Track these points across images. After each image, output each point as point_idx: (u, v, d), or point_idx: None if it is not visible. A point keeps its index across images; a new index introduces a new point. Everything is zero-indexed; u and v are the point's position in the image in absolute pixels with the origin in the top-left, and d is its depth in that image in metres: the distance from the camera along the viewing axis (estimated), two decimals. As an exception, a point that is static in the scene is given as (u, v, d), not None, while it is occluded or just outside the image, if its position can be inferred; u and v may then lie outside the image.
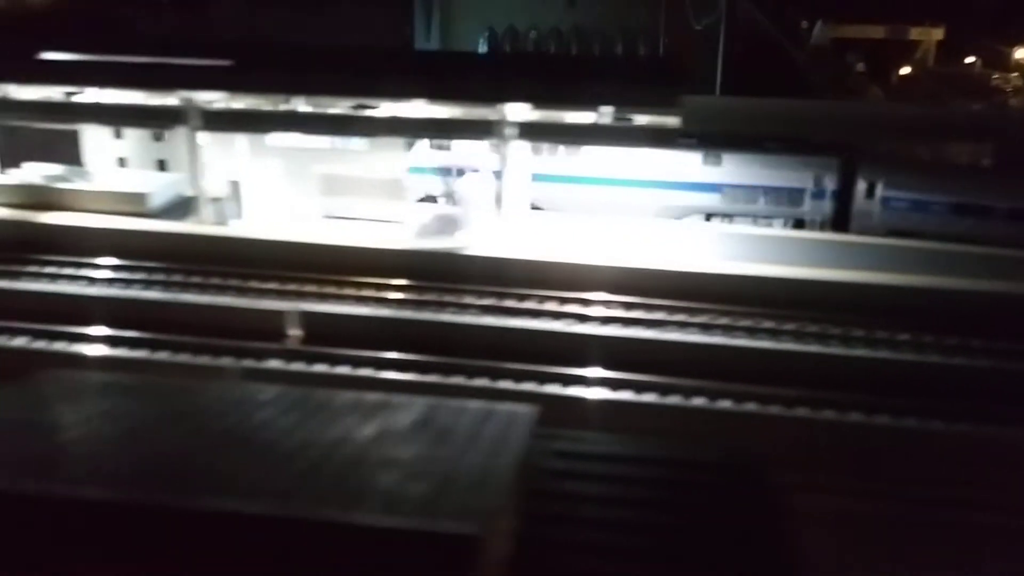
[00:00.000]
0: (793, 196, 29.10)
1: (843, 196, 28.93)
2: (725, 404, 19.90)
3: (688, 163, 28.90)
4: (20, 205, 28.01)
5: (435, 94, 23.69)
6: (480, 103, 23.67)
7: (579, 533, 9.91)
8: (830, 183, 28.87)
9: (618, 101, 22.50)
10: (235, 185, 26.54)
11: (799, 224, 29.34)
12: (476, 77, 24.93)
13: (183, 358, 21.75)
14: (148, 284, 25.00)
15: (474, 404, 12.10)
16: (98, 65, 25.83)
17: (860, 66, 55.68)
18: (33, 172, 29.98)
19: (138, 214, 27.34)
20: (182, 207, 28.74)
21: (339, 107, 26.35)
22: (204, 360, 21.66)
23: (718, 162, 29.04)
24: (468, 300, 24.05)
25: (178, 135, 33.04)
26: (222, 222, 26.70)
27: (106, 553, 8.57)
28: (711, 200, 29.45)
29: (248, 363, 21.53)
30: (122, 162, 34.17)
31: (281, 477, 9.53)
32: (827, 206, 29.16)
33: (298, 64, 26.06)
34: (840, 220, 29.01)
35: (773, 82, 37.41)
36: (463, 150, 28.94)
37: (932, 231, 27.76)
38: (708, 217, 29.61)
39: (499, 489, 9.30)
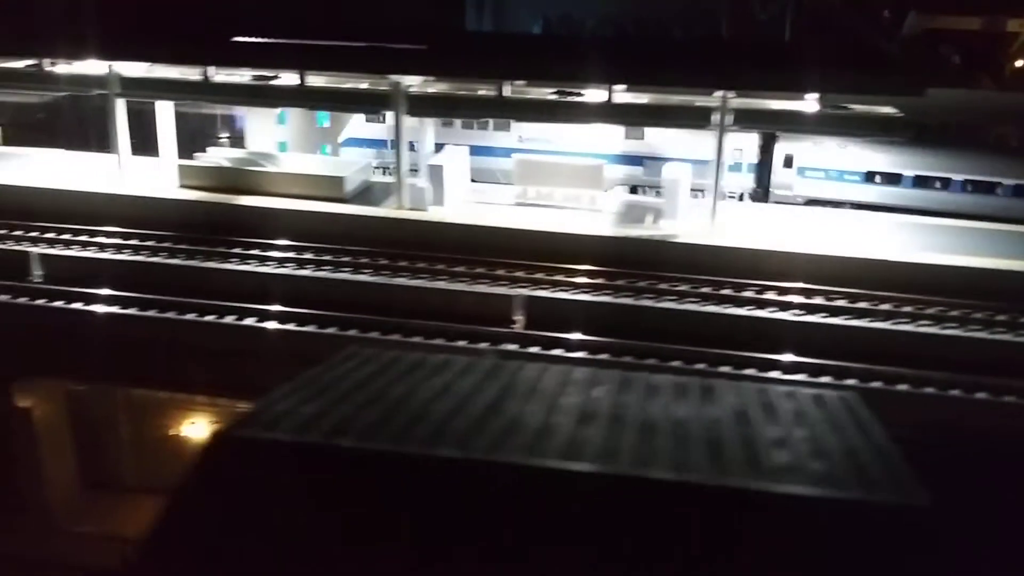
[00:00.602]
0: (712, 168, 29.38)
1: (762, 167, 30.24)
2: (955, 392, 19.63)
3: (611, 136, 29.90)
4: (214, 188, 28.25)
5: (659, 80, 23.47)
6: (707, 90, 23.42)
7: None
8: (748, 155, 29.74)
9: (867, 89, 22.04)
10: (437, 170, 26.49)
11: None
12: (689, 63, 24.59)
13: (416, 341, 21.82)
14: (357, 268, 25.08)
15: (796, 389, 12.02)
16: (305, 48, 25.84)
17: (955, 59, 54.37)
18: (219, 155, 30.24)
19: (333, 199, 27.40)
20: (369, 192, 28.86)
21: (535, 93, 26.32)
22: (437, 344, 21.71)
23: (640, 135, 30.01)
24: (684, 288, 23.84)
25: (337, 121, 33.33)
26: (420, 207, 26.67)
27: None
28: (634, 172, 30.43)
29: (482, 348, 21.53)
30: (283, 147, 34.47)
31: (682, 451, 9.53)
32: (746, 178, 30.33)
33: (506, 49, 25.93)
34: (759, 191, 30.31)
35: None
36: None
37: (847, 200, 29.64)
38: (633, 189, 30.55)
39: (902, 465, 9.35)
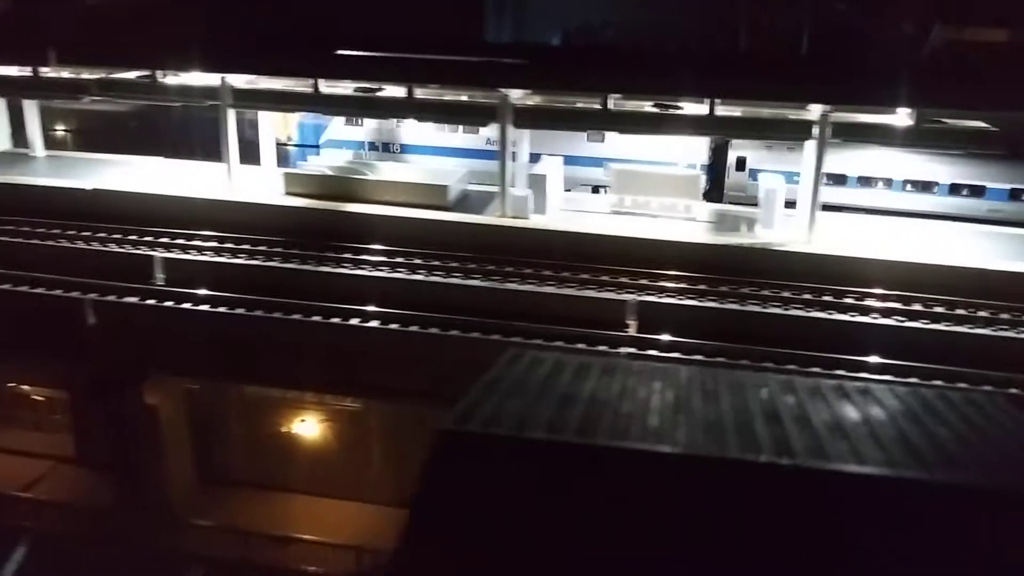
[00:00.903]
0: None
1: (716, 170, 32.12)
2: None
3: (575, 140, 31.80)
4: (319, 195, 29.29)
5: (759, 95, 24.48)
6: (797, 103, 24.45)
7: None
8: (701, 158, 31.29)
9: (969, 104, 22.91)
10: (540, 179, 27.51)
11: None
12: (789, 76, 25.55)
13: (536, 343, 22.77)
14: (467, 273, 26.04)
15: (945, 391, 12.83)
16: (412, 62, 26.91)
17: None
18: (319, 163, 31.34)
19: (437, 207, 28.41)
20: (467, 200, 29.88)
21: (629, 105, 27.32)
22: (558, 346, 22.63)
23: (601, 139, 31.87)
24: (787, 294, 24.76)
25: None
26: (521, 215, 27.67)
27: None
28: (596, 174, 32.25)
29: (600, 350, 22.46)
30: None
31: (880, 448, 10.18)
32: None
33: (613, 62, 26.94)
34: (713, 192, 31.94)
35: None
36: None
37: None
38: (595, 189, 32.29)
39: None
